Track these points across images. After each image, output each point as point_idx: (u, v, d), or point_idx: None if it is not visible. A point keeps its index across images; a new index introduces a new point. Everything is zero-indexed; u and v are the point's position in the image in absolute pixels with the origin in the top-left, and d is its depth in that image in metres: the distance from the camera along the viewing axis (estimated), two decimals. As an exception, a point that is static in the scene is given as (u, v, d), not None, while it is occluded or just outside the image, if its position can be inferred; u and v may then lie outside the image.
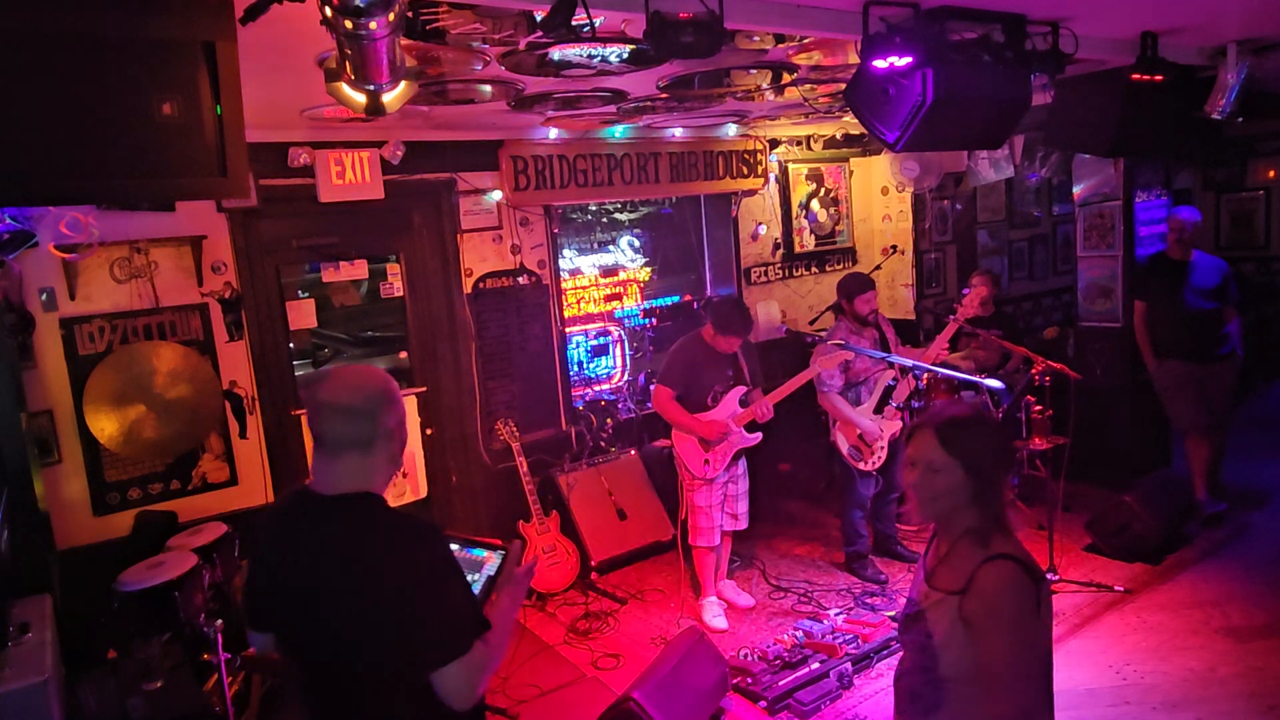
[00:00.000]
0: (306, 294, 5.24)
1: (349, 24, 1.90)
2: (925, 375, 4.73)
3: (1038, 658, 1.87)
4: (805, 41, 3.41)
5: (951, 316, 4.99)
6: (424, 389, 5.43)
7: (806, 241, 7.06)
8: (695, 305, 6.65)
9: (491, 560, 2.17)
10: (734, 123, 5.95)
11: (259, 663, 3.54)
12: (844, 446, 5.01)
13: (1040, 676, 1.89)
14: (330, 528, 1.81)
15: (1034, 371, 5.06)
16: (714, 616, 4.70)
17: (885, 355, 4.67)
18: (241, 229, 4.57)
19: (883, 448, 4.91)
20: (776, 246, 6.88)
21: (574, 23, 2.17)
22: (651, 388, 4.86)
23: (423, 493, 5.34)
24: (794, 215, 6.96)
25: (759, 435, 4.61)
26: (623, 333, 6.33)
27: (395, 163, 4.84)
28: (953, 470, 1.87)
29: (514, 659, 4.47)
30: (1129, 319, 6.02)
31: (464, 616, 1.81)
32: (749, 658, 4.23)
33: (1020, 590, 1.82)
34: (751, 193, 6.59)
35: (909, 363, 4.50)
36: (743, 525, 4.79)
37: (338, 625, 1.79)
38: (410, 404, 5.29)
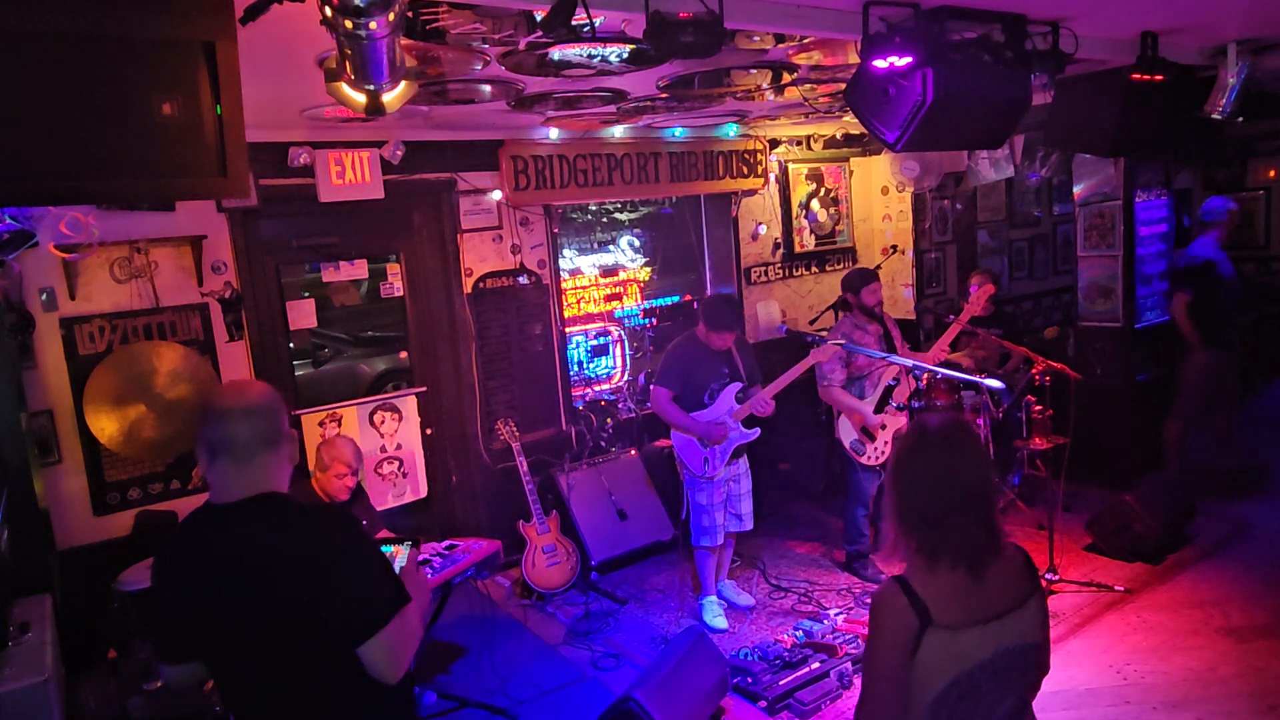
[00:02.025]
0: (306, 294, 5.24)
1: (349, 24, 1.90)
2: (925, 375, 4.73)
3: (891, 687, 1.76)
4: (805, 41, 3.41)
5: (953, 316, 4.99)
6: (424, 389, 5.43)
7: (806, 241, 7.06)
8: (695, 305, 6.65)
9: (400, 553, 2.51)
10: (734, 122, 5.95)
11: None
12: (847, 440, 5.00)
13: (890, 709, 1.77)
14: (251, 527, 1.85)
15: (1034, 371, 5.06)
16: (714, 616, 4.70)
17: (885, 355, 4.66)
18: (241, 229, 4.58)
19: (886, 442, 4.90)
20: (776, 246, 6.88)
21: (574, 23, 2.17)
22: (650, 389, 4.86)
23: (423, 492, 5.34)
24: (794, 215, 6.96)
25: (757, 431, 4.61)
26: (623, 333, 6.33)
27: (395, 163, 4.84)
28: (889, 491, 1.86)
29: (514, 659, 4.47)
30: (1129, 319, 6.02)
31: (385, 590, 1.89)
32: (749, 658, 4.23)
33: (887, 613, 1.76)
34: (751, 193, 6.59)
35: (909, 362, 4.50)
36: (748, 526, 4.78)
37: (272, 620, 1.82)
38: (410, 404, 5.30)
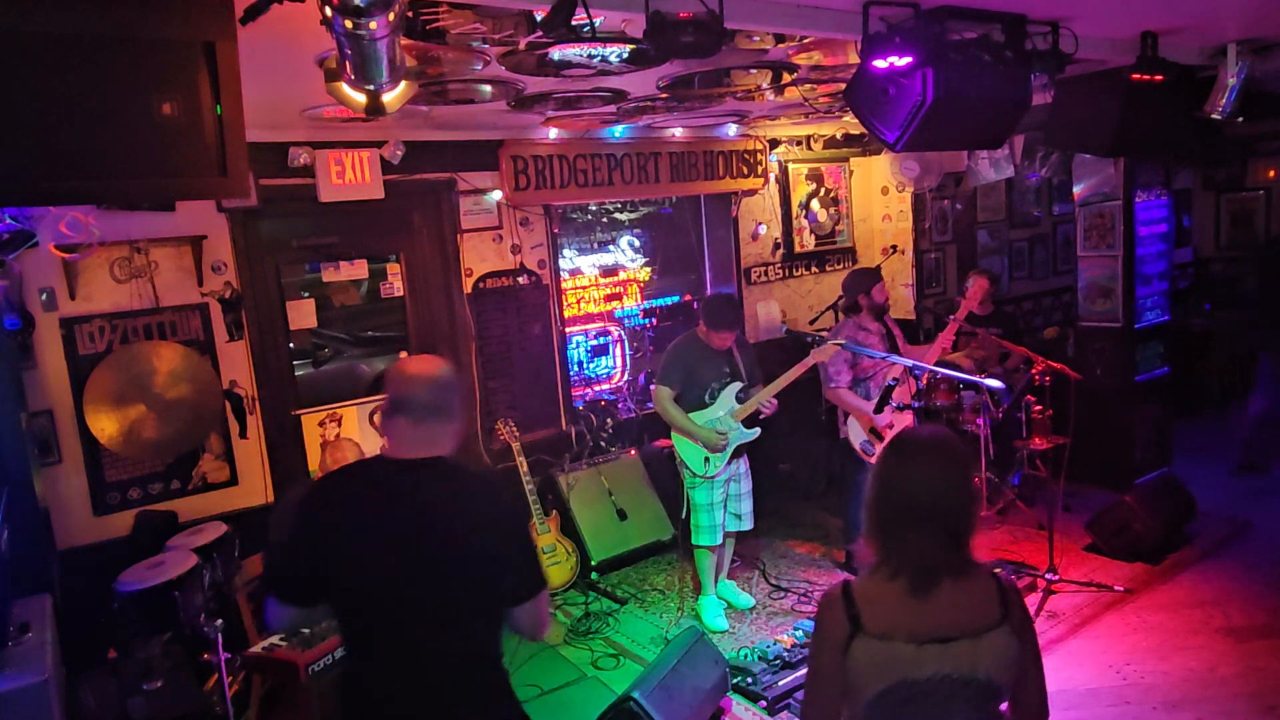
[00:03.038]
0: (307, 294, 5.24)
1: (349, 24, 1.90)
2: (925, 375, 4.73)
3: (824, 683, 1.81)
4: (805, 41, 3.41)
5: (952, 316, 4.99)
6: (424, 389, 5.42)
7: (806, 241, 7.06)
8: (695, 305, 6.65)
9: None
10: (734, 123, 5.95)
11: (262, 662, 3.53)
12: (856, 441, 4.99)
13: (823, 703, 1.83)
14: (435, 481, 2.02)
15: (1034, 371, 5.06)
16: (714, 617, 4.70)
17: (885, 355, 4.66)
18: (241, 229, 4.57)
19: None
20: (776, 246, 6.88)
21: (574, 23, 2.17)
22: (651, 389, 4.85)
23: (423, 493, 5.33)
24: (794, 215, 6.96)
25: (757, 430, 4.61)
26: (623, 333, 6.33)
27: (395, 163, 4.84)
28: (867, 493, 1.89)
29: (514, 659, 4.47)
30: (1129, 319, 6.02)
31: (540, 560, 2.18)
32: (749, 658, 4.23)
33: (823, 614, 1.80)
34: (751, 193, 6.59)
35: (909, 363, 4.50)
36: (748, 526, 4.78)
37: (443, 570, 1.96)
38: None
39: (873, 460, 4.90)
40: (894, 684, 1.72)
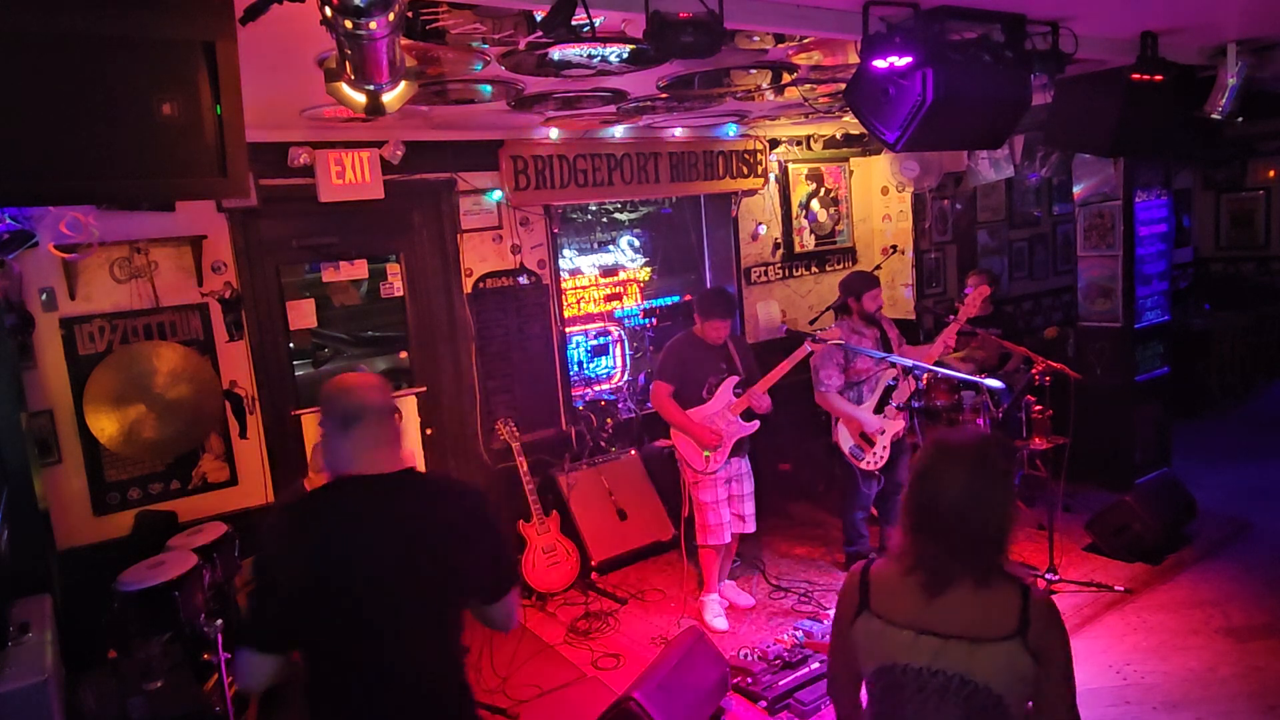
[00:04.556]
0: (306, 294, 5.24)
1: (349, 24, 1.90)
2: (925, 375, 4.73)
3: (837, 643, 1.95)
4: (805, 41, 3.41)
5: (952, 317, 4.99)
6: (424, 389, 5.43)
7: (806, 241, 7.06)
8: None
9: None
10: (734, 123, 5.95)
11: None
12: (845, 445, 5.00)
13: (847, 684, 1.97)
14: (410, 495, 2.04)
15: (1034, 371, 5.06)
16: (714, 616, 4.70)
17: (885, 355, 4.66)
18: (241, 229, 4.57)
19: (885, 447, 4.90)
20: (776, 246, 6.88)
21: (574, 23, 2.17)
22: (650, 386, 4.85)
23: (423, 493, 5.33)
24: (794, 215, 6.96)
25: (755, 424, 4.62)
26: (623, 333, 6.33)
27: (395, 163, 4.84)
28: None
29: (514, 659, 4.47)
30: (1129, 319, 6.02)
31: (511, 556, 2.25)
32: (749, 658, 4.23)
33: (845, 585, 1.93)
34: (751, 193, 6.59)
35: (909, 363, 4.50)
36: (750, 528, 4.77)
37: (421, 578, 1.98)
38: (410, 404, 5.29)
39: (861, 465, 4.93)
40: (887, 664, 1.80)
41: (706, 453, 4.56)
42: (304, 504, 2.14)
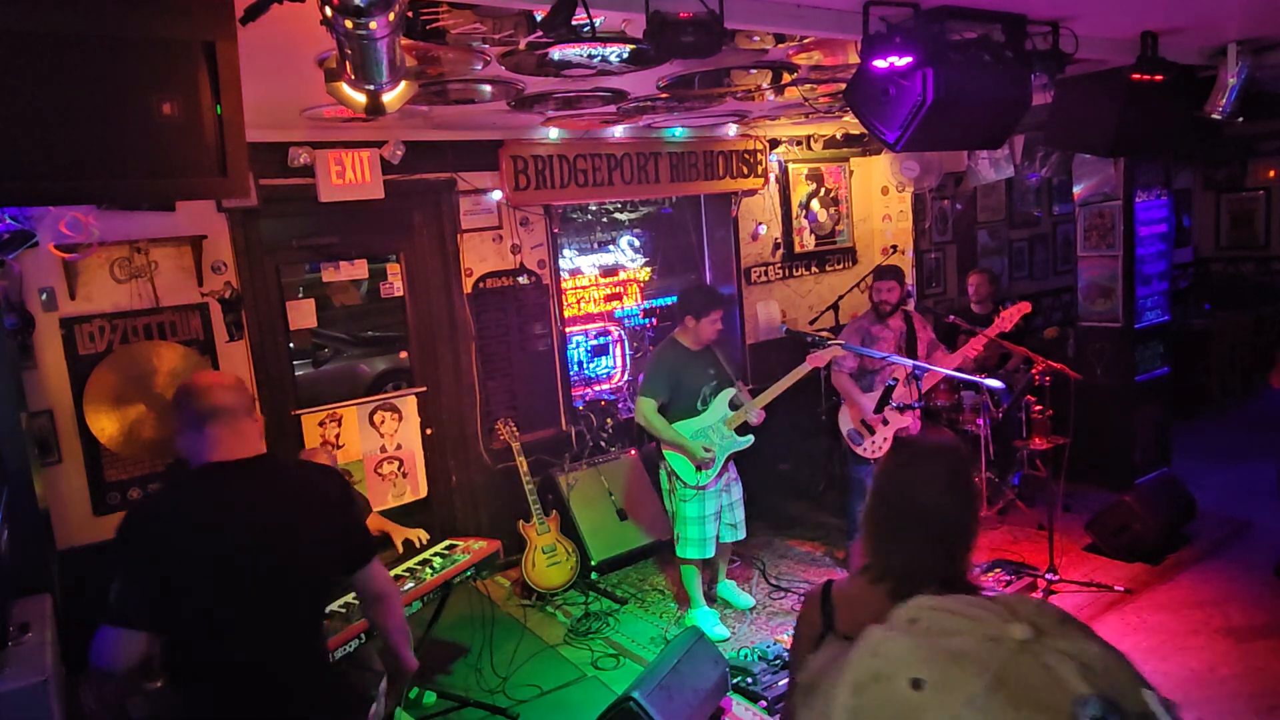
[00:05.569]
0: (307, 294, 5.24)
1: (349, 24, 1.90)
2: (925, 377, 4.72)
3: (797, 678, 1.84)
4: (805, 41, 3.41)
5: (953, 317, 4.98)
6: (424, 389, 5.43)
7: (806, 241, 7.06)
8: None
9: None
10: (734, 123, 5.95)
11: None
12: (845, 428, 4.98)
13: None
14: (265, 478, 2.16)
15: (1034, 371, 5.06)
16: (713, 626, 4.57)
17: (884, 356, 4.65)
18: (241, 229, 4.57)
19: (886, 439, 4.87)
20: (776, 246, 6.88)
21: (574, 23, 2.17)
22: (635, 402, 4.65)
23: (423, 493, 5.34)
24: (794, 215, 6.96)
25: (750, 438, 4.56)
26: (623, 333, 6.33)
27: (395, 163, 4.84)
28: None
29: (514, 659, 4.47)
30: (1129, 319, 6.02)
31: (366, 528, 2.48)
32: (749, 658, 4.23)
33: (803, 612, 1.84)
34: (751, 193, 6.59)
35: (909, 363, 4.49)
36: (744, 534, 4.73)
37: (285, 557, 2.10)
38: (410, 404, 5.30)
39: (858, 450, 4.91)
40: None
41: (699, 476, 4.49)
42: (164, 492, 2.29)
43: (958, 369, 4.69)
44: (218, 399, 2.12)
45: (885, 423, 4.86)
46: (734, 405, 4.54)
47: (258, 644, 2.09)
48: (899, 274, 5.08)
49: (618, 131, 5.62)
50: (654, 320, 6.49)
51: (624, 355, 6.32)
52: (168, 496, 2.28)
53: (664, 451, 4.55)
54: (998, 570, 4.93)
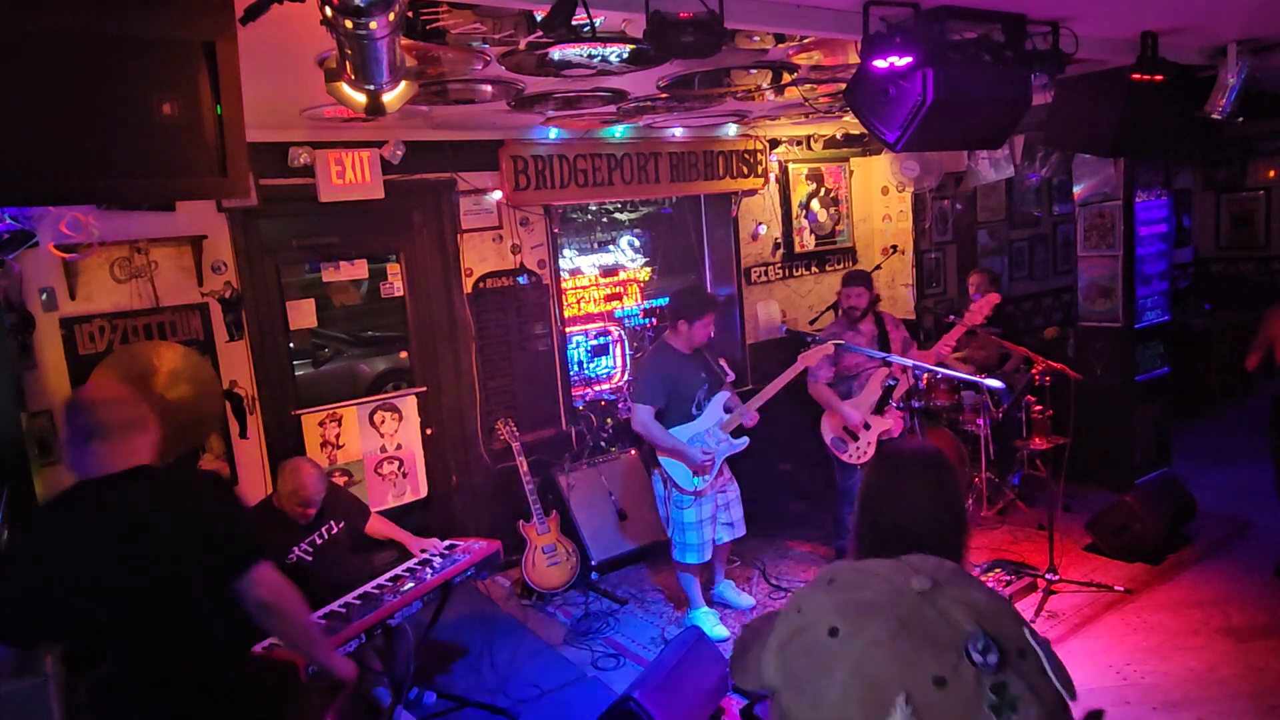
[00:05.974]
0: (307, 294, 5.24)
1: (349, 24, 1.90)
2: (925, 375, 4.72)
3: None
4: (805, 41, 3.41)
5: (953, 317, 4.98)
6: (424, 389, 5.43)
7: (806, 241, 7.06)
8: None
9: None
10: (734, 123, 5.95)
11: (261, 662, 3.44)
12: (828, 436, 4.99)
13: None
14: (143, 489, 2.17)
15: (1034, 371, 5.06)
16: (713, 626, 4.57)
17: (884, 355, 4.65)
18: (241, 229, 4.57)
19: (870, 443, 4.87)
20: (776, 246, 6.88)
21: (574, 23, 2.17)
22: (631, 409, 4.62)
23: (423, 493, 5.34)
24: (794, 215, 6.96)
25: (745, 441, 4.55)
26: (623, 332, 6.33)
27: (395, 163, 4.84)
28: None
29: (514, 659, 4.47)
30: (1129, 319, 6.02)
31: (252, 535, 2.35)
32: (749, 658, 4.22)
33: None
34: (751, 193, 6.59)
35: (908, 362, 4.49)
36: (741, 532, 4.73)
37: (167, 569, 2.11)
38: (410, 404, 5.30)
39: (843, 458, 4.92)
40: None
41: (696, 480, 4.48)
42: (44, 509, 2.28)
43: (939, 364, 4.70)
44: (104, 415, 2.14)
45: (867, 427, 4.87)
46: (728, 408, 4.53)
47: (137, 653, 2.11)
48: (867, 279, 5.08)
49: (618, 131, 5.62)
50: (654, 320, 6.49)
51: (624, 355, 6.32)
52: (40, 516, 2.28)
53: (659, 458, 4.52)
54: (998, 570, 4.93)
